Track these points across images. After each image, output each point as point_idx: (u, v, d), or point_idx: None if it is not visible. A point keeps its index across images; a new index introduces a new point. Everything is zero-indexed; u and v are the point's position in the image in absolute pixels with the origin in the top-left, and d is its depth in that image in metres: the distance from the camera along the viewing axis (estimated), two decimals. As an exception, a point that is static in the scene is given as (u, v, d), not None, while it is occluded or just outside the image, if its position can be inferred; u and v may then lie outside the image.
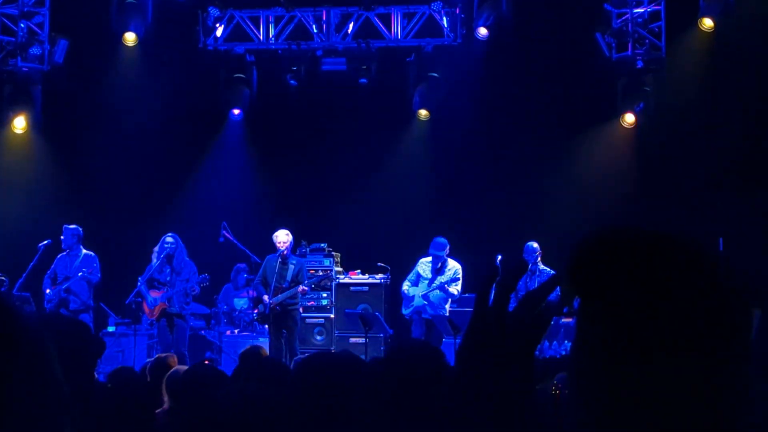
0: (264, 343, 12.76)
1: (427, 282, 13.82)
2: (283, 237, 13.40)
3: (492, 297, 1.51)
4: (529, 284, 12.52)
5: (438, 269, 13.81)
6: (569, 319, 13.00)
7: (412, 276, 14.02)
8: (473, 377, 1.48)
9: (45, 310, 13.46)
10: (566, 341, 12.96)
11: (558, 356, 11.83)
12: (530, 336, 1.48)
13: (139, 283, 13.55)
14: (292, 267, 13.36)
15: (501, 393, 1.46)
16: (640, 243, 1.39)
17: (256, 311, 13.80)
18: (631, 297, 1.34)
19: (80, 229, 13.79)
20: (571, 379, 1.43)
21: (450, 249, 13.82)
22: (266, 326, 13.56)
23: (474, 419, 1.46)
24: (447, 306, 13.87)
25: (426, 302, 13.78)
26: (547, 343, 12.95)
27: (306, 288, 13.49)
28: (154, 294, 13.49)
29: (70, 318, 11.69)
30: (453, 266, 13.80)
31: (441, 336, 13.51)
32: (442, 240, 13.80)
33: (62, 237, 13.76)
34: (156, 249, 13.50)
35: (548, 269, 13.39)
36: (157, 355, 8.29)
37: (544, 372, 4.74)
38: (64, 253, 13.83)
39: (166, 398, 4.70)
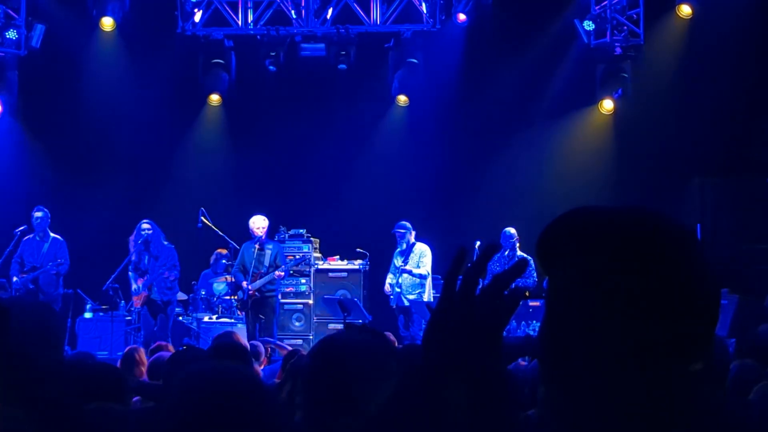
0: (242, 330, 12.74)
1: (398, 269, 14.04)
2: (259, 222, 13.39)
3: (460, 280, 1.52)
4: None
5: (403, 251, 14.04)
6: (536, 304, 13.15)
7: (391, 269, 14.24)
8: (440, 358, 1.48)
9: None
10: (534, 321, 13.07)
11: (523, 335, 11.93)
12: (497, 318, 1.49)
13: (130, 275, 13.41)
14: (269, 252, 13.35)
15: (468, 373, 1.46)
16: (603, 218, 1.40)
17: (235, 298, 13.79)
18: (593, 269, 1.36)
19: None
20: (541, 357, 1.44)
21: (416, 234, 14.14)
22: (244, 313, 13.54)
23: (443, 400, 1.46)
24: (424, 291, 13.95)
25: (399, 290, 13.97)
26: (515, 324, 13.07)
27: (282, 273, 13.46)
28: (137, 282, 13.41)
29: (33, 300, 11.64)
30: (418, 250, 14.04)
31: (420, 321, 13.60)
32: (400, 222, 14.16)
33: (36, 220, 13.60)
34: (131, 238, 13.36)
35: (526, 255, 13.42)
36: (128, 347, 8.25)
37: (513, 352, 4.71)
38: (31, 236, 13.68)
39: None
